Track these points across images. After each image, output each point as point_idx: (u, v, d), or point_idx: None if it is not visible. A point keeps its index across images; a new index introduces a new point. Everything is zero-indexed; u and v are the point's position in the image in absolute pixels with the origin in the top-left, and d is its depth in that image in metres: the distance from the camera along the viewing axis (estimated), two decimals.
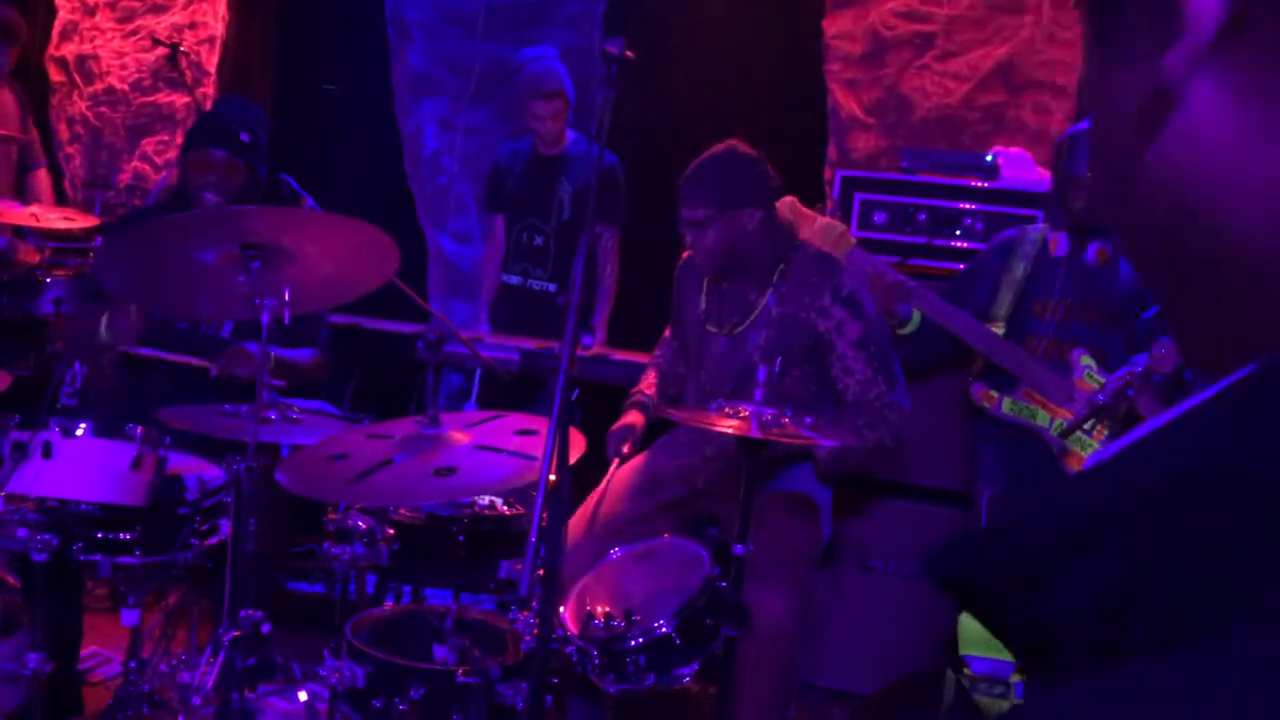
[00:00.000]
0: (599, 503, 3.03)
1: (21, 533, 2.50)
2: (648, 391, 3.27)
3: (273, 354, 3.20)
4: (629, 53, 2.04)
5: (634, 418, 3.19)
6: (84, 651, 3.16)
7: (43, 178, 5.23)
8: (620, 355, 4.03)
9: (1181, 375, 2.99)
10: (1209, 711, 0.38)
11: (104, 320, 3.20)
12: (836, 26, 4.67)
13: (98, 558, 2.63)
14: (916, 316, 3.28)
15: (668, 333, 3.42)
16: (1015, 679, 3.23)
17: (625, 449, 3.10)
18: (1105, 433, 3.16)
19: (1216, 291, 0.50)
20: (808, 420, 2.32)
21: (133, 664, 2.98)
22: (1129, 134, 0.51)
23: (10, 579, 3.08)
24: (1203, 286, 0.50)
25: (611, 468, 3.10)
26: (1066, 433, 3.17)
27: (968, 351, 3.32)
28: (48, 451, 2.51)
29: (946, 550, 0.51)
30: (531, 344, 4.08)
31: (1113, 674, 0.42)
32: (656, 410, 3.20)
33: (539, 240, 4.58)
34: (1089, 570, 0.44)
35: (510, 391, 4.04)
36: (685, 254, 3.27)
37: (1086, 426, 3.15)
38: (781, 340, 2.98)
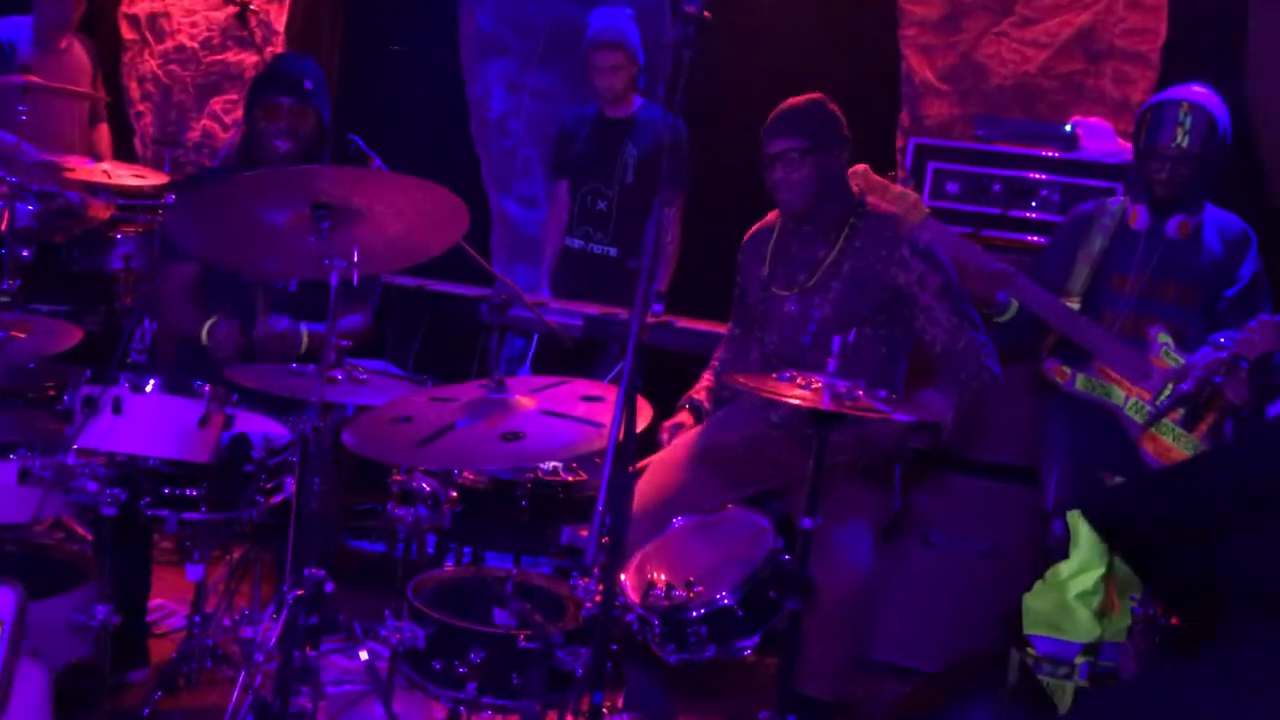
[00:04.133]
0: (656, 474, 3.01)
1: (91, 486, 2.54)
2: (699, 396, 3.24)
3: (306, 332, 3.25)
4: (706, 13, 1.99)
5: (684, 417, 3.21)
6: (150, 604, 3.21)
7: (103, 132, 5.29)
8: (684, 323, 3.99)
9: (1271, 360, 2.90)
10: None
11: (206, 326, 3.24)
12: None
13: (165, 513, 2.66)
14: (1014, 305, 3.21)
15: (729, 330, 3.40)
16: (1080, 660, 3.18)
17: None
18: (1180, 413, 3.08)
19: None
20: (882, 393, 2.27)
21: (197, 618, 3.03)
22: None
23: (81, 531, 3.14)
24: None
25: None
26: (1151, 421, 3.10)
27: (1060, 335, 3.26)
28: (118, 407, 2.54)
29: (1113, 494, 0.48)
30: (595, 309, 4.06)
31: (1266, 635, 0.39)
32: (707, 414, 3.21)
33: (601, 205, 4.55)
34: (1267, 535, 0.41)
35: (569, 356, 4.03)
36: (750, 231, 3.24)
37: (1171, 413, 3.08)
38: (852, 296, 2.96)
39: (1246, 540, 0.39)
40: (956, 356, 2.96)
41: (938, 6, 4.53)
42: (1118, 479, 3.16)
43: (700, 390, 3.27)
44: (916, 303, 2.96)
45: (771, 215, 3.23)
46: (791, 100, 3.04)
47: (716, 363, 3.38)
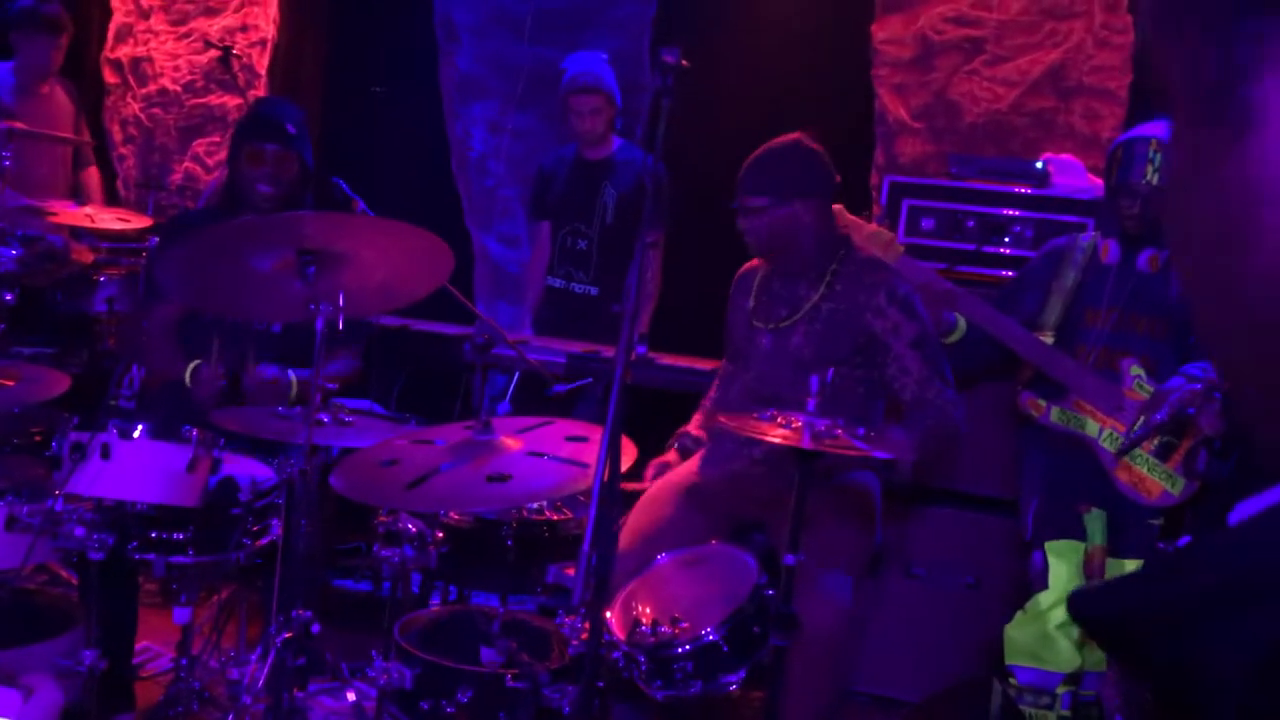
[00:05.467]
0: (641, 511, 3.05)
1: (79, 531, 2.55)
2: (694, 432, 3.28)
3: (295, 379, 3.27)
4: (684, 61, 2.04)
5: (672, 456, 3.25)
6: (137, 647, 3.21)
7: (93, 175, 5.31)
8: (666, 360, 4.03)
9: None
10: None
11: (189, 369, 3.25)
12: (885, 31, 4.66)
13: (152, 557, 2.68)
14: (962, 324, 3.27)
15: (722, 367, 3.42)
16: (1062, 690, 3.21)
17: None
18: (1154, 444, 3.13)
19: None
20: (860, 430, 2.31)
21: (184, 661, 3.03)
22: (1268, 188, 0.48)
23: (68, 576, 3.14)
24: None
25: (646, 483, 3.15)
26: (1124, 450, 3.14)
27: (1014, 359, 3.30)
28: (106, 453, 2.56)
29: (1098, 590, 0.52)
30: (578, 347, 4.10)
31: None
32: (698, 447, 3.24)
33: (582, 244, 4.60)
34: (1246, 625, 0.44)
35: (547, 395, 4.06)
36: (742, 269, 3.29)
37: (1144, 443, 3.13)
38: (830, 336, 2.99)
39: (1220, 637, 0.42)
40: (925, 405, 2.97)
41: (910, 46, 4.62)
42: (1093, 510, 3.21)
43: (695, 427, 3.30)
44: (890, 350, 2.97)
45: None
46: (770, 144, 3.06)
47: (708, 402, 3.40)
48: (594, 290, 4.59)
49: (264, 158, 3.35)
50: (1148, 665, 0.51)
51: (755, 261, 3.27)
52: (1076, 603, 0.52)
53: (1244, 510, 0.48)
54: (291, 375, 3.31)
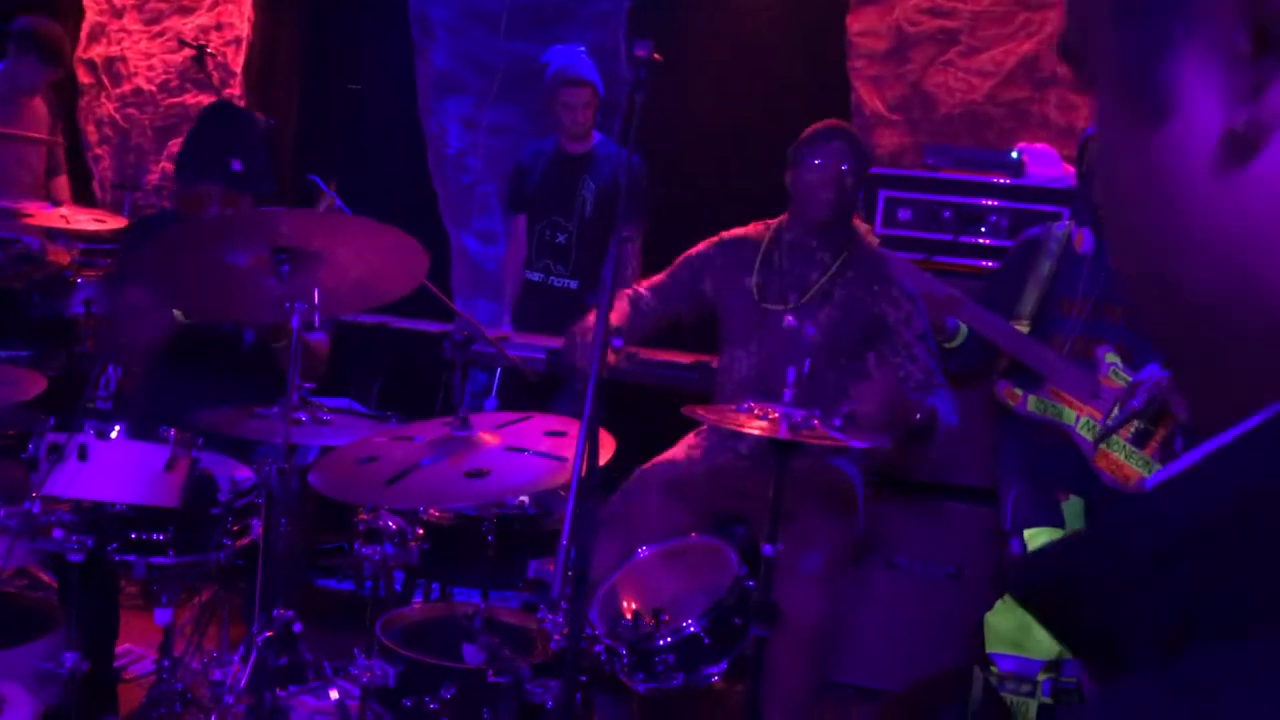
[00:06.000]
0: (622, 501, 3.05)
1: (58, 534, 2.54)
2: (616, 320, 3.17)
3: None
4: (657, 55, 2.04)
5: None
6: (118, 649, 3.20)
7: (63, 184, 5.27)
8: (645, 354, 4.03)
9: None
10: (1234, 704, 0.40)
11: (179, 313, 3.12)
12: (860, 23, 4.67)
13: (132, 558, 2.66)
14: (964, 329, 3.28)
15: (657, 281, 3.32)
16: (1043, 677, 3.23)
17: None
18: (1132, 429, 3.16)
19: (1254, 358, 0.48)
20: (836, 421, 2.32)
21: (166, 662, 3.02)
22: (1188, 183, 0.48)
23: (47, 579, 3.12)
24: (1238, 352, 0.49)
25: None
26: (1102, 437, 3.16)
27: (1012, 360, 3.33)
28: (83, 454, 2.55)
29: (1029, 563, 0.53)
30: (558, 342, 4.10)
31: (1159, 675, 0.43)
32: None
33: (561, 238, 4.60)
34: (1166, 585, 0.45)
35: (532, 389, 4.06)
36: (727, 235, 3.26)
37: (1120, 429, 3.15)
38: (841, 323, 3.05)
39: (1145, 595, 0.44)
40: (931, 392, 3.03)
41: (885, 38, 4.63)
42: (1072, 497, 3.23)
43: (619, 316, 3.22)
44: (898, 338, 3.04)
45: (752, 226, 3.28)
46: (831, 121, 3.18)
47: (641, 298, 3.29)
48: (573, 284, 4.59)
49: (208, 199, 3.18)
50: (1076, 635, 0.52)
51: (748, 230, 3.26)
52: (1012, 575, 0.53)
53: (1158, 477, 0.49)
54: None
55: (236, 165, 3.13)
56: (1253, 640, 0.42)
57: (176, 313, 3.14)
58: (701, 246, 3.30)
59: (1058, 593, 0.51)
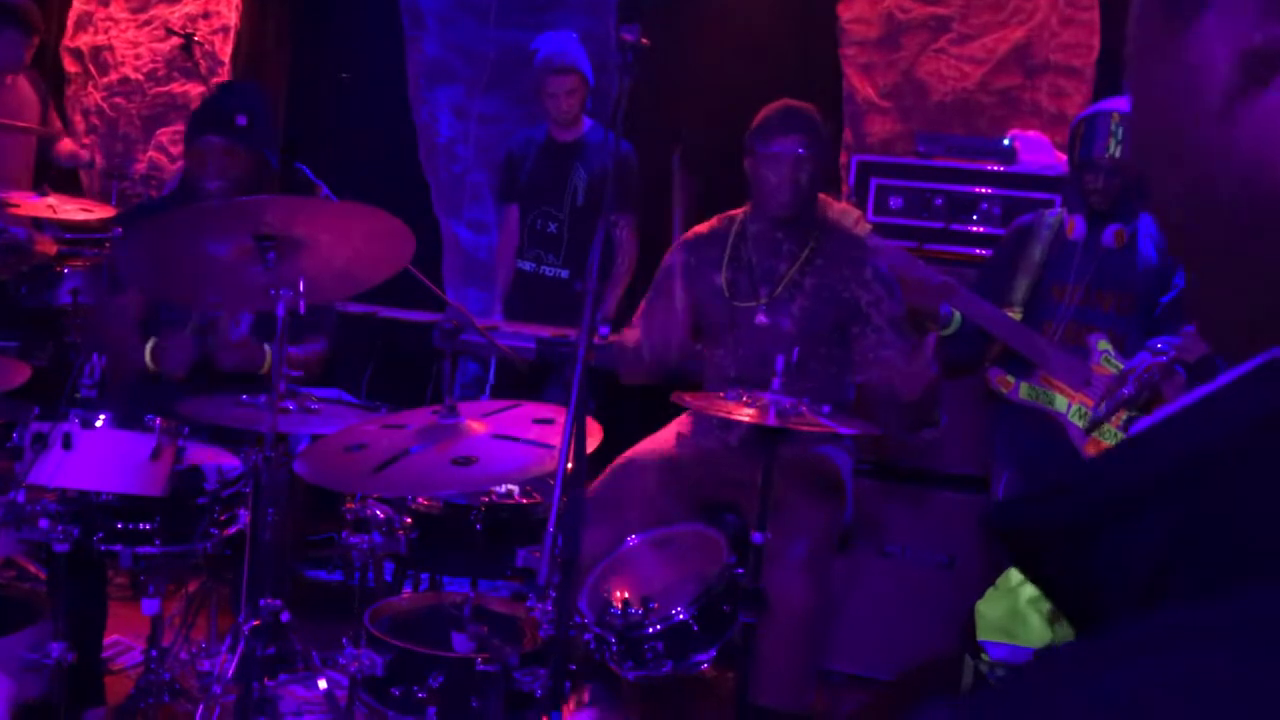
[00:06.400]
0: (610, 484, 3.03)
1: (43, 523, 2.52)
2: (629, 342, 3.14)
3: (268, 349, 3.23)
4: (644, 39, 2.03)
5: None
6: (106, 640, 3.18)
7: (66, 143, 5.26)
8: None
9: (1212, 363, 2.97)
10: (1211, 658, 0.39)
11: (148, 348, 3.20)
12: (851, 10, 4.65)
13: (118, 548, 2.65)
14: (957, 317, 3.27)
15: (642, 315, 3.24)
16: None
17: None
18: (1124, 417, 3.15)
19: (1270, 273, 0.49)
20: (825, 408, 2.31)
21: (153, 653, 3.00)
22: (1212, 95, 0.49)
23: (35, 570, 3.11)
24: (1260, 270, 0.50)
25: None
26: (1093, 425, 3.16)
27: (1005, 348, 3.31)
28: (68, 443, 2.53)
29: (1009, 504, 0.53)
30: (547, 331, 4.08)
31: (1134, 625, 0.43)
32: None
33: (552, 227, 4.58)
34: (1138, 531, 0.45)
35: (522, 378, 4.04)
36: (687, 235, 3.23)
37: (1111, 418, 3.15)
38: (814, 311, 3.00)
39: (1117, 544, 0.43)
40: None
41: (877, 26, 4.62)
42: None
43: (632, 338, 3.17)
44: (869, 322, 3.01)
45: (713, 221, 3.24)
46: (788, 102, 3.07)
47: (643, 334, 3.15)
48: (564, 273, 4.57)
49: (211, 150, 3.26)
50: (1052, 578, 0.52)
51: (708, 225, 3.22)
52: (991, 516, 0.53)
53: (1142, 423, 0.49)
54: (267, 348, 3.26)
55: (241, 120, 3.24)
56: (1241, 588, 0.42)
57: (147, 359, 3.19)
58: (666, 258, 3.25)
59: (1039, 534, 0.51)
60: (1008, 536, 0.54)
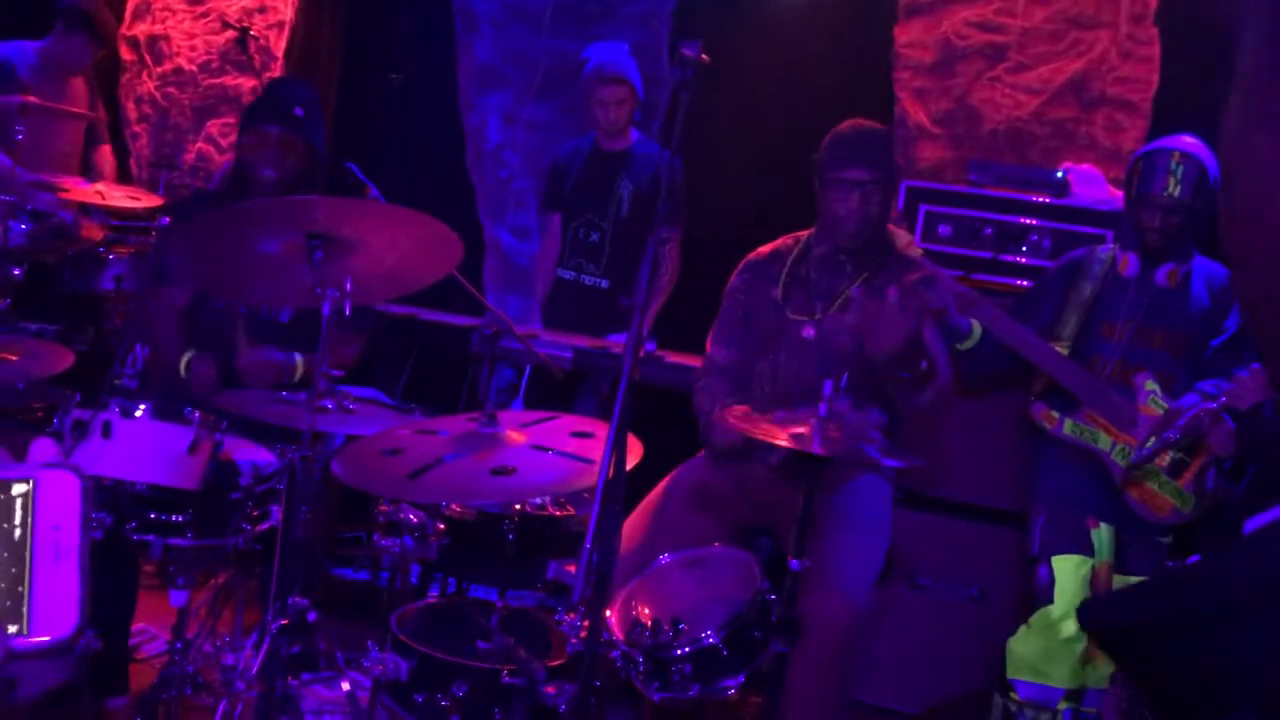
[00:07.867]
0: (645, 510, 3.01)
1: None
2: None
3: (300, 360, 3.25)
4: (705, 56, 2.00)
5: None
6: (133, 628, 3.19)
7: (106, 153, 5.29)
8: (674, 358, 4.00)
9: (1260, 410, 2.92)
10: None
11: (185, 360, 3.23)
12: (907, 35, 4.62)
13: (150, 538, 2.64)
14: (977, 330, 3.22)
15: (720, 355, 3.18)
16: (1063, 706, 3.17)
17: None
18: (1167, 459, 3.10)
19: None
20: (874, 413, 2.27)
21: (179, 644, 3.00)
22: None
23: None
24: None
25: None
26: (1135, 466, 3.11)
27: (1025, 368, 3.26)
28: (107, 431, 2.53)
29: (1110, 599, 0.50)
30: (585, 342, 4.07)
31: None
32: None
33: (595, 236, 4.57)
34: (1266, 624, 0.42)
35: (557, 388, 4.03)
36: (752, 255, 3.20)
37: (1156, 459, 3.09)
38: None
39: (1239, 640, 0.41)
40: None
41: (932, 50, 4.58)
42: (1101, 525, 3.18)
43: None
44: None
45: (777, 242, 3.21)
46: (858, 123, 3.01)
47: (714, 392, 3.13)
48: (604, 283, 4.56)
49: (267, 140, 3.32)
50: (1159, 672, 0.49)
51: (775, 245, 3.19)
52: (1088, 612, 0.50)
53: (1259, 520, 0.46)
54: (297, 358, 3.28)
55: (299, 111, 3.32)
56: None
57: (182, 369, 3.24)
58: (732, 279, 3.22)
59: (1142, 634, 0.48)
60: (1103, 631, 0.51)
